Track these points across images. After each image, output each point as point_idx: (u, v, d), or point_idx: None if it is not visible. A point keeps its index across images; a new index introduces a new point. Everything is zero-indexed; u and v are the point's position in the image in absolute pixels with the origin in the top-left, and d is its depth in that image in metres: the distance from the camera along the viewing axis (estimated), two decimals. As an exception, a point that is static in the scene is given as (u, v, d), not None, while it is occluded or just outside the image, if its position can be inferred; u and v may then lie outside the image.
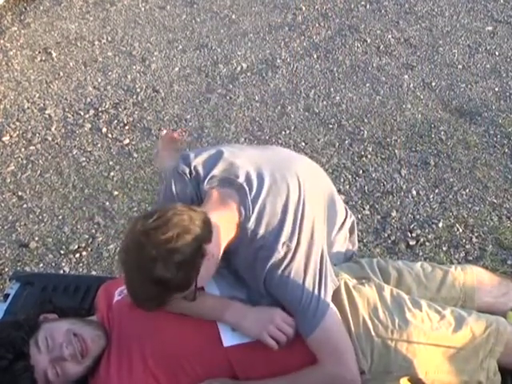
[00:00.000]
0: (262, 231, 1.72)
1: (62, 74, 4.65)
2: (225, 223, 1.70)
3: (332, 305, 1.73)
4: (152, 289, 1.58)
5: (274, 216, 1.74)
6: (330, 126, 4.06)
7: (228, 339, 1.77)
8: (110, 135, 4.07)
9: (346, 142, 3.94)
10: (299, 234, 1.73)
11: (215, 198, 1.75)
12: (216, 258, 1.68)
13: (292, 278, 1.70)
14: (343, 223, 2.10)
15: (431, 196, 3.54)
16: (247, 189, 1.76)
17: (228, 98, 4.34)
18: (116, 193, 3.65)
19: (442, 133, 3.97)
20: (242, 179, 1.78)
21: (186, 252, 1.56)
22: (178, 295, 1.64)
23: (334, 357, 1.71)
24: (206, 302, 1.80)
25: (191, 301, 1.67)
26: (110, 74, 4.63)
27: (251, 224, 1.72)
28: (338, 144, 3.92)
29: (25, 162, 3.90)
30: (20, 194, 3.68)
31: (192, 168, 1.84)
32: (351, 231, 2.15)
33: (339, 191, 3.57)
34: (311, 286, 1.71)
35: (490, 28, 4.95)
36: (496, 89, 4.31)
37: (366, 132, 4.00)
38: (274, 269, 1.71)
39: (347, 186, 3.61)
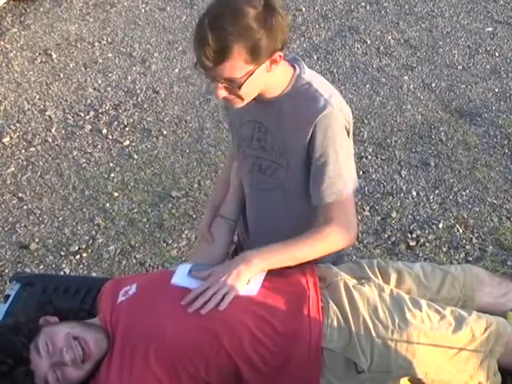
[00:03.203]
0: (316, 85, 1.77)
1: (62, 75, 4.66)
2: (281, 70, 1.75)
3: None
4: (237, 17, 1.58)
5: (326, 84, 1.82)
6: (330, 127, 4.06)
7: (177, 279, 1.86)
8: (110, 136, 4.07)
9: (346, 142, 3.94)
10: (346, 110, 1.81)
11: None
12: (268, 78, 1.71)
13: (337, 138, 1.76)
14: None
15: (431, 197, 3.54)
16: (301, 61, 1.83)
17: (228, 99, 4.34)
18: (116, 194, 3.66)
19: (442, 134, 3.97)
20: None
21: (278, 17, 1.62)
22: (242, 43, 1.60)
23: (345, 220, 1.84)
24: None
25: (238, 87, 1.67)
26: (110, 75, 4.64)
27: (306, 76, 1.78)
28: (338, 145, 3.92)
29: (25, 163, 3.91)
30: (20, 195, 3.68)
31: None
32: None
33: (339, 192, 3.58)
34: (346, 157, 1.79)
35: (490, 29, 4.96)
36: (496, 90, 4.32)
37: (366, 133, 4.00)
38: (323, 121, 1.74)
39: (347, 187, 3.61)
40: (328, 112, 1.73)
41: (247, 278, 1.82)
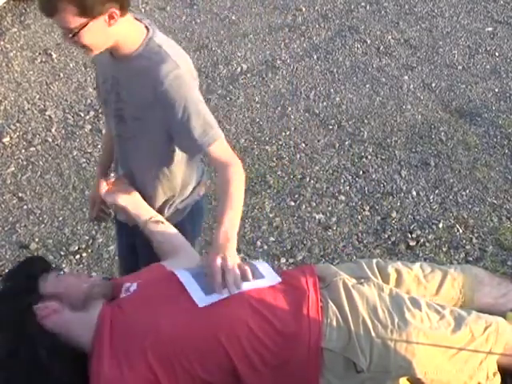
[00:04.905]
0: (165, 47, 1.91)
1: (62, 75, 4.66)
2: (134, 29, 1.93)
3: None
4: None
5: (175, 47, 1.97)
6: (330, 127, 4.06)
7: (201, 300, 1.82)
8: (110, 136, 4.07)
9: (346, 142, 3.94)
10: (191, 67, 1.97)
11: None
12: (116, 33, 1.85)
13: (191, 94, 1.91)
14: None
15: (431, 197, 3.54)
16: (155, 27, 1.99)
17: (228, 99, 4.35)
18: (116, 194, 3.65)
19: (442, 133, 3.97)
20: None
21: None
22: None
23: (232, 157, 2.03)
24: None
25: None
26: (110, 75, 4.63)
27: (157, 39, 1.93)
28: (338, 145, 3.92)
29: (25, 163, 3.91)
30: (20, 195, 3.68)
31: None
32: None
33: (339, 192, 3.58)
34: (203, 107, 1.94)
35: (490, 29, 4.96)
36: (496, 90, 4.32)
37: (366, 133, 4.01)
38: (174, 81, 1.87)
39: (347, 187, 3.61)
40: (177, 73, 1.87)
41: (236, 255, 1.83)
